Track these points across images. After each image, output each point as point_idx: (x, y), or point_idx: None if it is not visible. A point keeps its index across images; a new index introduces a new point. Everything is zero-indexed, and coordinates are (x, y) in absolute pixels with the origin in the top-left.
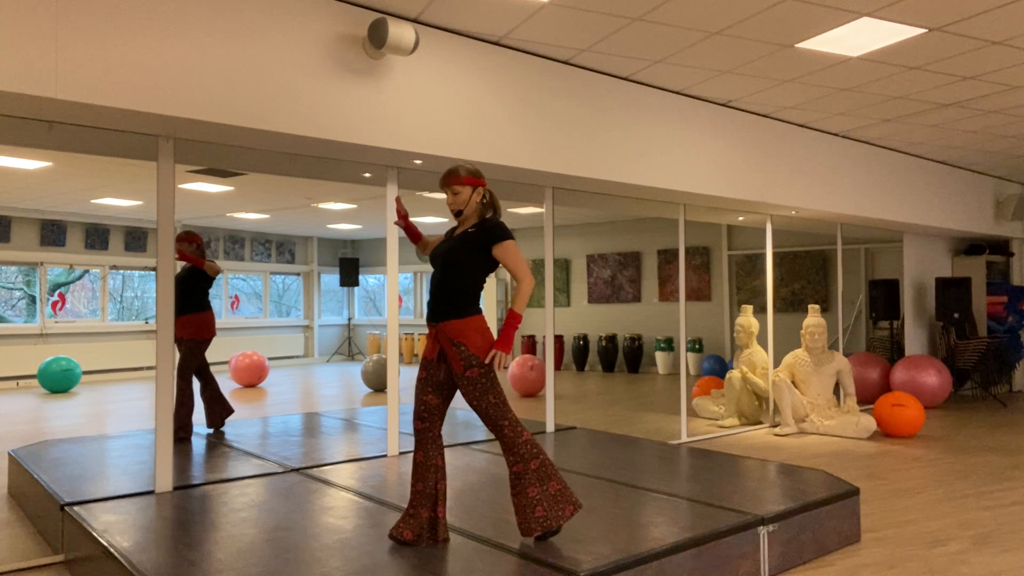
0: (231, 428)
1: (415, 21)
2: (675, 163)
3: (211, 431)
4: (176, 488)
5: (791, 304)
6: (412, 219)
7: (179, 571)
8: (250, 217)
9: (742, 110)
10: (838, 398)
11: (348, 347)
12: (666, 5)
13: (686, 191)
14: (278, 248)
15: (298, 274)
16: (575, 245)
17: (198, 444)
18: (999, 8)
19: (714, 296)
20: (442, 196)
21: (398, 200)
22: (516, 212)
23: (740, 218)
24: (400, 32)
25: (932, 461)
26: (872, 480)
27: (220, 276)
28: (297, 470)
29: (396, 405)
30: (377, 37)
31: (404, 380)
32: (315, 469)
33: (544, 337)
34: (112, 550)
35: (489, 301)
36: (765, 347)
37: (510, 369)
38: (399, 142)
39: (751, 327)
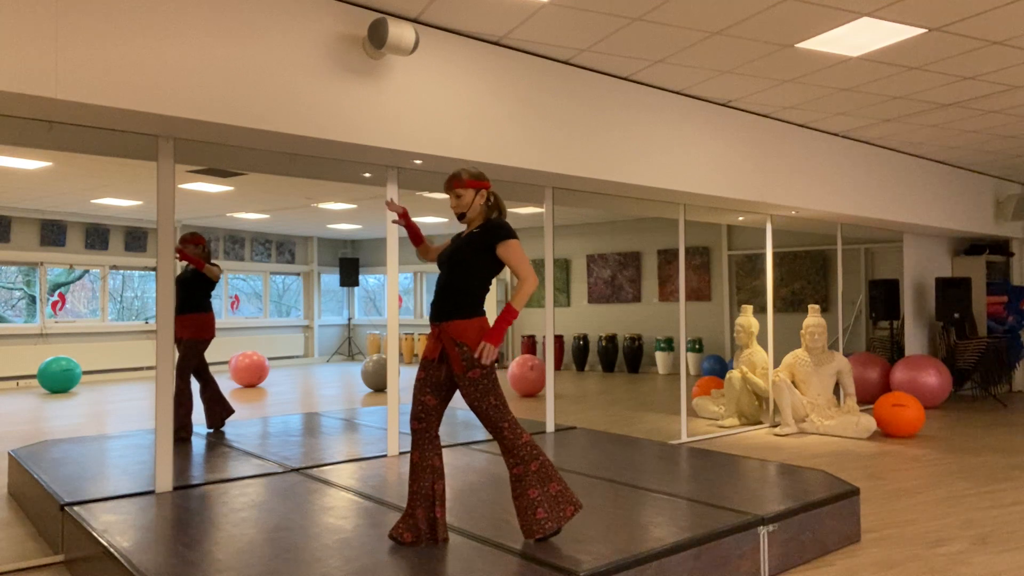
0: (231, 428)
1: (415, 21)
2: (675, 163)
3: (211, 431)
4: (176, 488)
5: (791, 304)
6: (414, 219)
7: (179, 571)
8: (250, 217)
9: (742, 110)
10: (838, 398)
11: (348, 347)
12: (666, 5)
13: (686, 191)
14: (278, 248)
15: (298, 274)
16: (575, 245)
17: (198, 444)
18: (999, 8)
19: (714, 296)
20: (442, 196)
21: (389, 203)
22: (516, 212)
23: (740, 218)
24: (400, 32)
25: (932, 461)
26: (872, 480)
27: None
28: (297, 470)
29: (396, 405)
30: (377, 37)
31: (404, 380)
32: (315, 469)
33: (544, 337)
34: (112, 550)
35: (489, 301)
36: (765, 347)
37: (510, 369)
38: (399, 142)
39: (751, 327)
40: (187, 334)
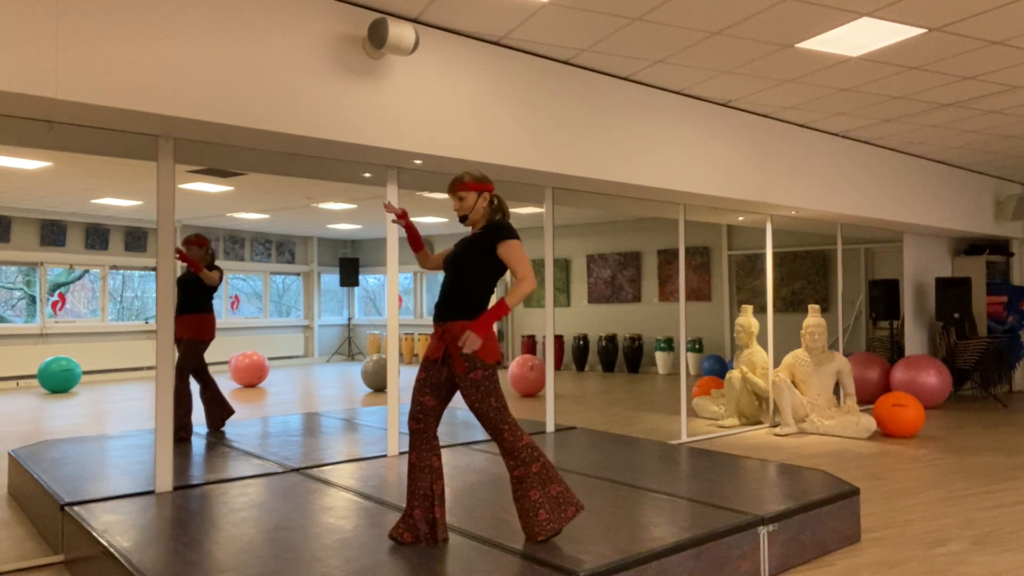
0: (231, 428)
1: (415, 21)
2: (675, 163)
3: (211, 431)
4: (176, 488)
5: (791, 304)
6: (414, 219)
7: (179, 571)
8: (250, 217)
9: (742, 110)
10: (838, 398)
11: (348, 347)
12: (666, 5)
13: (686, 191)
14: (278, 248)
15: (298, 274)
16: (575, 245)
17: (198, 444)
18: (999, 8)
19: (714, 296)
20: (442, 196)
21: (387, 205)
22: (516, 212)
23: (740, 218)
24: (400, 32)
25: (932, 461)
26: (872, 480)
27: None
28: (297, 470)
29: (396, 405)
30: (377, 37)
31: (404, 380)
32: (315, 469)
33: (544, 337)
34: (112, 550)
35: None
36: (765, 347)
37: (510, 369)
38: (399, 142)
39: (751, 327)
40: (187, 334)
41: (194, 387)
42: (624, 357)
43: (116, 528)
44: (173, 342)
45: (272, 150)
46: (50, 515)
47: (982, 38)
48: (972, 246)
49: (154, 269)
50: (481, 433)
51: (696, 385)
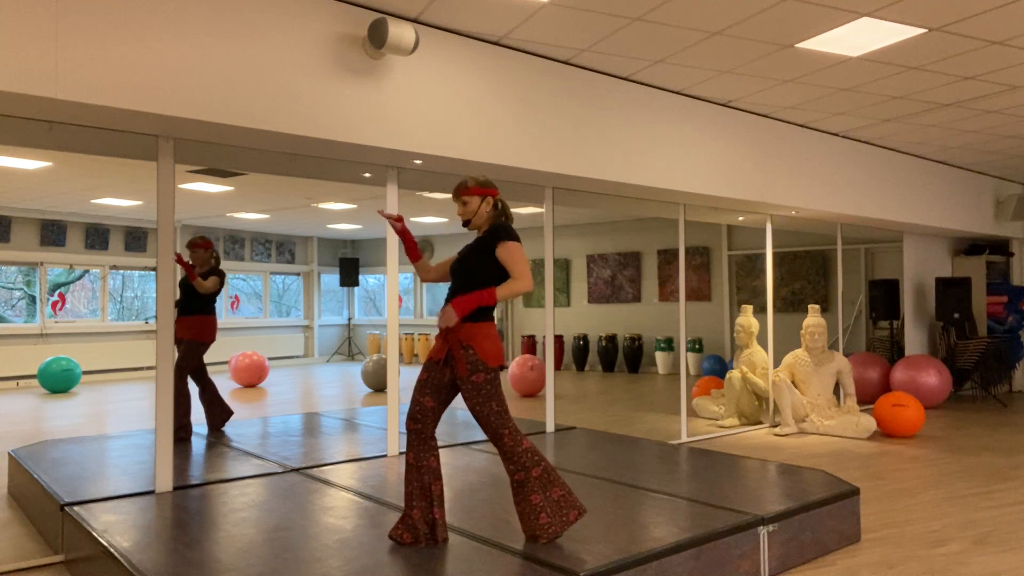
0: (231, 428)
1: (415, 21)
2: (675, 163)
3: (211, 432)
4: (176, 488)
5: (791, 304)
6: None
7: (179, 571)
8: (250, 217)
9: (742, 110)
10: (838, 398)
11: (348, 347)
12: (666, 5)
13: (686, 191)
14: (278, 248)
15: (298, 274)
16: (575, 245)
17: (198, 444)
18: (999, 8)
19: (714, 296)
20: (442, 196)
21: (382, 212)
22: (516, 212)
23: (740, 218)
24: (400, 32)
25: (932, 461)
26: (872, 480)
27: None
28: (297, 470)
29: (396, 405)
30: (377, 37)
31: (404, 380)
32: (315, 469)
33: (544, 337)
34: (112, 550)
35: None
36: (765, 347)
37: (510, 369)
38: (399, 142)
39: (751, 327)
40: (188, 335)
41: (193, 389)
42: (624, 357)
43: (116, 528)
44: (173, 342)
45: (272, 150)
46: (50, 515)
47: (982, 38)
48: (972, 246)
49: (154, 269)
50: (481, 433)
51: (696, 385)
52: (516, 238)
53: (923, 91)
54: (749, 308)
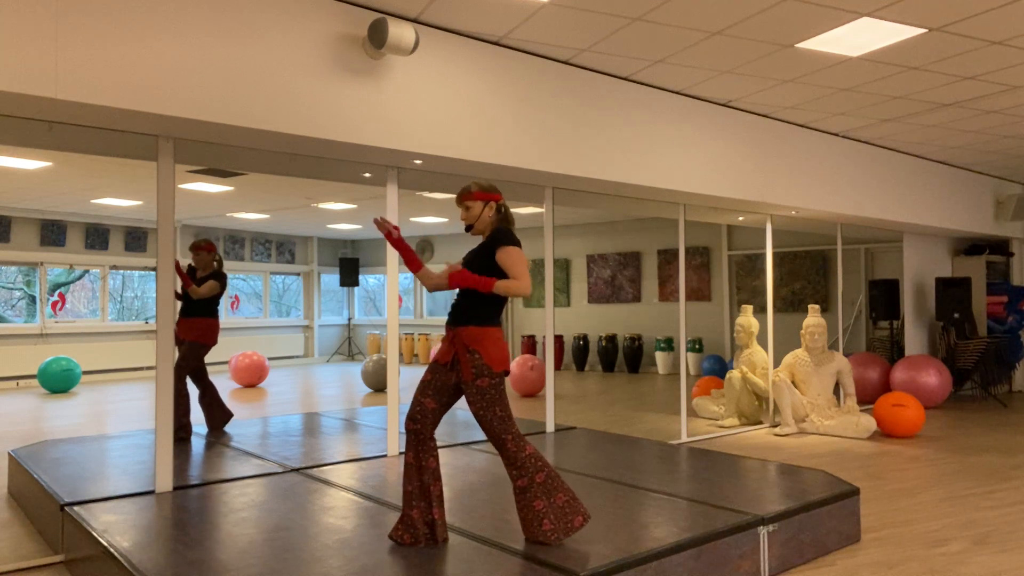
0: (231, 428)
1: (415, 21)
2: (675, 163)
3: (209, 429)
4: (176, 488)
5: (791, 304)
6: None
7: (179, 571)
8: (250, 217)
9: (742, 110)
10: (838, 398)
11: (348, 347)
12: (666, 5)
13: (686, 191)
14: (278, 248)
15: (298, 274)
16: (575, 245)
17: (198, 444)
18: (999, 8)
19: (714, 296)
20: (442, 196)
21: (379, 221)
22: (516, 212)
23: (740, 218)
24: (400, 32)
25: (932, 461)
26: (872, 480)
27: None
28: (297, 470)
29: (396, 405)
30: (377, 37)
31: (404, 380)
32: (315, 469)
33: (544, 337)
34: (112, 550)
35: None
36: (765, 347)
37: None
38: (399, 142)
39: (751, 327)
40: (190, 336)
41: (193, 390)
42: (624, 357)
43: (116, 528)
44: (174, 342)
45: (272, 150)
46: (50, 515)
47: (982, 38)
48: (972, 246)
49: (154, 269)
50: (481, 433)
51: (696, 385)
52: (516, 243)
53: (923, 91)
54: (749, 308)
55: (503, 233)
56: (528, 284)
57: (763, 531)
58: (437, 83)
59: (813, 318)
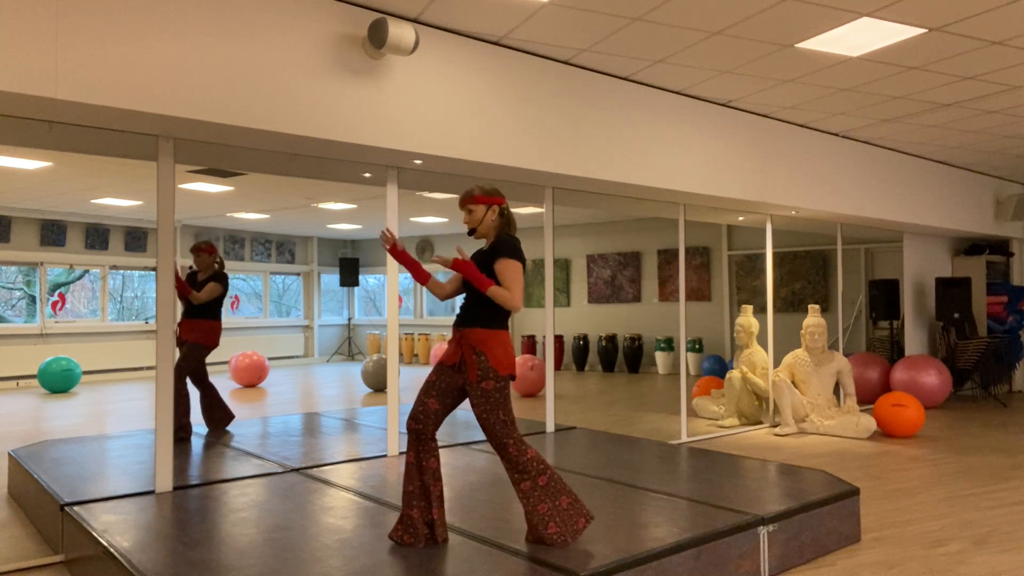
0: (231, 428)
1: (415, 21)
2: (675, 163)
3: (210, 430)
4: (176, 488)
5: (791, 304)
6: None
7: (179, 571)
8: (250, 217)
9: (742, 110)
10: (838, 398)
11: (348, 347)
12: (666, 5)
13: (686, 191)
14: (278, 248)
15: (298, 274)
16: (575, 245)
17: (198, 444)
18: (999, 8)
19: (714, 296)
20: (442, 196)
21: (385, 232)
22: (516, 212)
23: (740, 218)
24: (400, 32)
25: (932, 461)
26: (872, 480)
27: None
28: (297, 470)
29: (396, 405)
30: (377, 37)
31: (404, 380)
32: (315, 469)
33: (544, 337)
34: (112, 550)
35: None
36: (765, 347)
37: None
38: (399, 142)
39: (751, 327)
40: (192, 337)
41: (194, 391)
42: (624, 357)
43: (116, 528)
44: (174, 342)
45: (272, 150)
46: (50, 515)
47: (982, 38)
48: (972, 246)
49: (154, 269)
50: (481, 433)
51: (696, 385)
52: (516, 256)
53: (923, 91)
54: (749, 308)
55: (507, 245)
56: (519, 301)
57: (763, 531)
58: (437, 83)
59: (813, 318)
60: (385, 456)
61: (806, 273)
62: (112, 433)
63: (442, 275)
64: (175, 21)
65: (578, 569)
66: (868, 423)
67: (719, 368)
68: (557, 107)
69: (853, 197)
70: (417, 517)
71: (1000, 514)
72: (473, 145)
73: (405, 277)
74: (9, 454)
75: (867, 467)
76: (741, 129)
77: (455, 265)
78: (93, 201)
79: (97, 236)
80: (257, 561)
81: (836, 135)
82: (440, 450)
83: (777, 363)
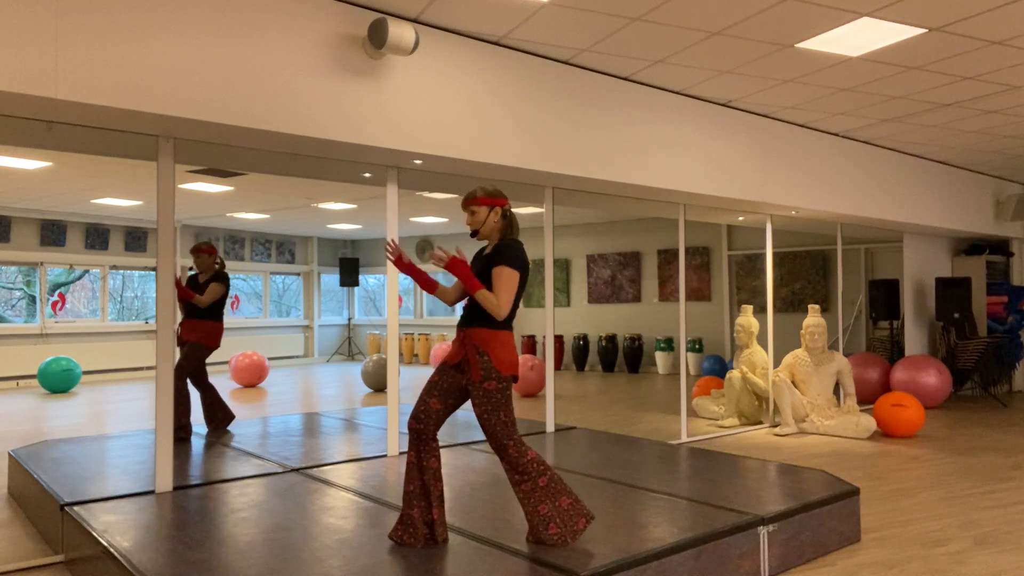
0: (231, 428)
1: (415, 21)
2: (675, 163)
3: (210, 430)
4: (176, 488)
5: (791, 304)
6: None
7: (179, 571)
8: (250, 217)
9: (742, 110)
10: (838, 398)
11: (348, 347)
12: (666, 5)
13: (686, 191)
14: (278, 248)
15: (298, 274)
16: (575, 245)
17: (198, 444)
18: (999, 8)
19: (714, 296)
20: (442, 196)
21: (390, 244)
22: (516, 212)
23: (740, 218)
24: (400, 32)
25: (932, 461)
26: (872, 480)
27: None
28: (297, 470)
29: (396, 405)
30: (377, 37)
31: (404, 380)
32: (315, 469)
33: (544, 337)
34: (112, 550)
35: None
36: (765, 347)
37: None
38: (399, 142)
39: (751, 327)
40: (194, 338)
41: (194, 392)
42: (624, 357)
43: (116, 528)
44: (175, 342)
45: (272, 150)
46: (50, 515)
47: (982, 38)
48: (972, 246)
49: (154, 269)
50: (481, 433)
51: (696, 385)
52: (514, 264)
53: (923, 91)
54: (749, 308)
55: (509, 251)
56: (505, 310)
57: (763, 531)
58: (437, 83)
59: (813, 318)
60: (385, 456)
61: (806, 273)
62: (112, 433)
63: (442, 278)
64: (175, 21)
65: (578, 569)
66: (868, 423)
67: (719, 368)
68: (557, 107)
69: (853, 197)
70: (417, 517)
71: (1000, 514)
72: (473, 145)
73: (405, 277)
74: (9, 454)
75: (867, 467)
76: (741, 129)
77: (449, 264)
78: (93, 201)
79: (97, 236)
80: (257, 561)
81: (836, 135)
82: (440, 450)
83: (777, 363)
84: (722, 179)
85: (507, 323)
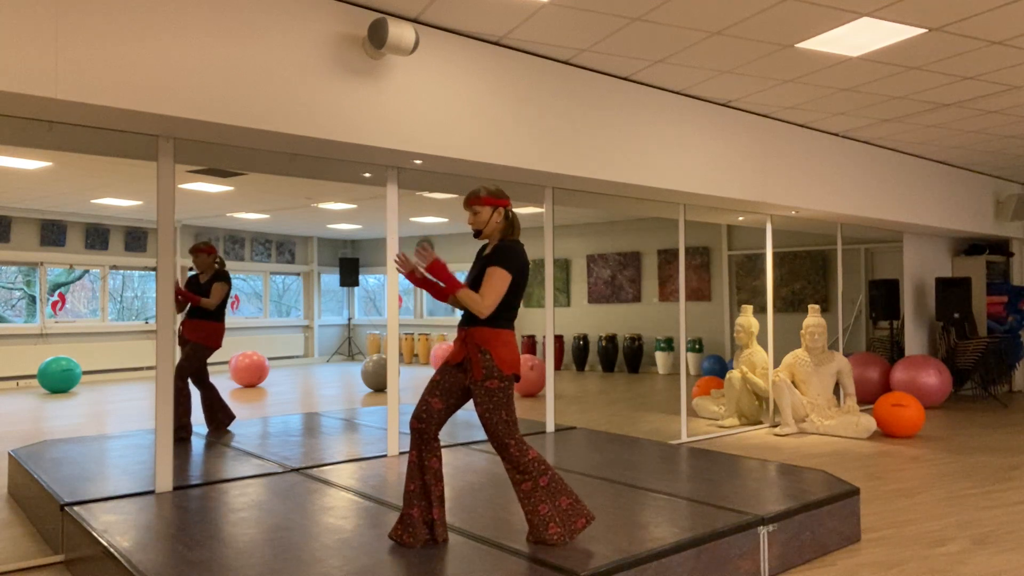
0: (231, 428)
1: (415, 21)
2: (675, 163)
3: (211, 430)
4: (176, 488)
5: (791, 304)
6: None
7: (179, 571)
8: (250, 217)
9: (742, 110)
10: (838, 398)
11: (348, 347)
12: (666, 5)
13: (686, 191)
14: (278, 248)
15: (298, 274)
16: (575, 245)
17: (198, 444)
18: (999, 8)
19: (714, 296)
20: (442, 196)
21: (398, 258)
22: (516, 212)
23: (740, 218)
24: (400, 32)
25: (932, 461)
26: (872, 480)
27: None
28: (297, 470)
29: (396, 405)
30: (377, 37)
31: (404, 380)
32: (315, 469)
33: (544, 337)
34: (112, 550)
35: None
36: (765, 347)
37: None
38: (399, 142)
39: (751, 327)
40: (195, 337)
41: (195, 392)
42: (624, 357)
43: (116, 528)
44: (175, 342)
45: (272, 150)
46: (50, 515)
47: (982, 38)
48: (972, 246)
49: (154, 269)
50: (481, 433)
51: (696, 385)
52: (507, 266)
53: (923, 91)
54: (749, 308)
55: (504, 253)
56: (488, 310)
57: (763, 531)
58: (437, 83)
59: (813, 318)
60: (385, 456)
61: (806, 273)
62: (112, 433)
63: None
64: (175, 21)
65: (578, 569)
66: (868, 423)
67: (719, 368)
68: (557, 107)
69: (853, 197)
70: (417, 516)
71: (1000, 514)
72: (473, 145)
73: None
74: (9, 454)
75: (867, 467)
76: (741, 129)
77: (430, 267)
78: (93, 201)
79: (97, 236)
80: (257, 561)
81: (836, 135)
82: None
83: (777, 363)
84: (722, 179)
85: (509, 322)
